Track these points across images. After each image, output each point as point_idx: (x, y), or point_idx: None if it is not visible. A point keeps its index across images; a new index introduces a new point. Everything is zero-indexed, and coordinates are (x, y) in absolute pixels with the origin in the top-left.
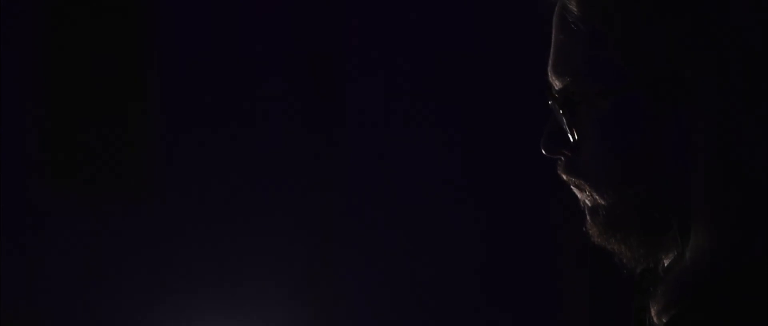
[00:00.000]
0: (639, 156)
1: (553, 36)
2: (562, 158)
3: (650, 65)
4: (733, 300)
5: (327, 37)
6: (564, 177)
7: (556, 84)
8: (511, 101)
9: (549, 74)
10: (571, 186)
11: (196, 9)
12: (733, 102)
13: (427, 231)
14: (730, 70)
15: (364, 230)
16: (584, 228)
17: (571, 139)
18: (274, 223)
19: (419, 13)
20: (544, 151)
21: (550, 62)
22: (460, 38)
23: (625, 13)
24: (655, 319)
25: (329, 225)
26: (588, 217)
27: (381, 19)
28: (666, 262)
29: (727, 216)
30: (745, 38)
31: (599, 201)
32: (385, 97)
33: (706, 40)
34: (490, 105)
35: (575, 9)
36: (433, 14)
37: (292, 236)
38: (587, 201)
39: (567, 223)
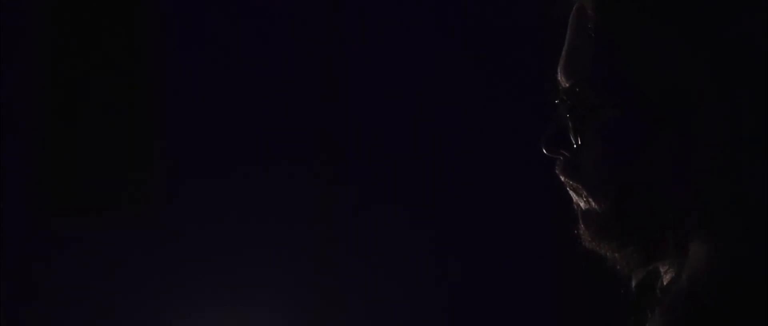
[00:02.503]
0: (638, 169)
1: (567, 35)
2: (561, 158)
3: (658, 82)
4: (730, 321)
5: (331, 42)
6: (561, 177)
7: (564, 83)
8: (516, 103)
9: (558, 72)
10: (567, 188)
11: (199, 15)
12: (738, 126)
13: (431, 234)
14: (737, 94)
15: (368, 233)
16: (576, 231)
17: (573, 142)
18: (275, 227)
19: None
20: (544, 149)
21: (561, 61)
22: (462, 40)
23: (639, 28)
24: None
25: (332, 228)
26: (581, 221)
27: (386, 25)
28: (665, 279)
29: (726, 237)
30: (754, 64)
31: (593, 206)
32: (388, 100)
33: (716, 62)
34: (495, 107)
35: (591, 15)
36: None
37: (296, 242)
38: (582, 205)
39: (566, 234)
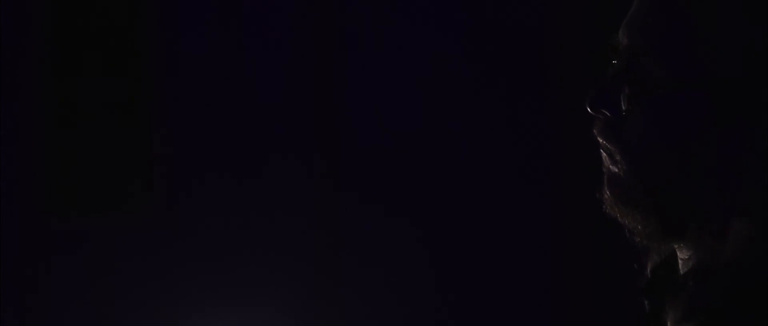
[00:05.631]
0: (685, 149)
1: None
2: (601, 118)
3: (730, 69)
4: (763, 307)
5: (333, 43)
6: (600, 139)
7: (624, 42)
8: (518, 104)
9: (621, 32)
10: (601, 150)
11: (198, 20)
12: None
13: (432, 235)
14: None
15: (373, 235)
16: (597, 195)
17: (623, 107)
18: (276, 228)
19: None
20: (588, 108)
21: (628, 21)
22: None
23: (718, 8)
24: None
25: (333, 229)
26: (607, 186)
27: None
28: (684, 264)
29: None
30: None
31: (626, 173)
32: (389, 101)
33: None
34: (497, 108)
35: None
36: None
37: (297, 243)
38: (614, 169)
39: (570, 226)
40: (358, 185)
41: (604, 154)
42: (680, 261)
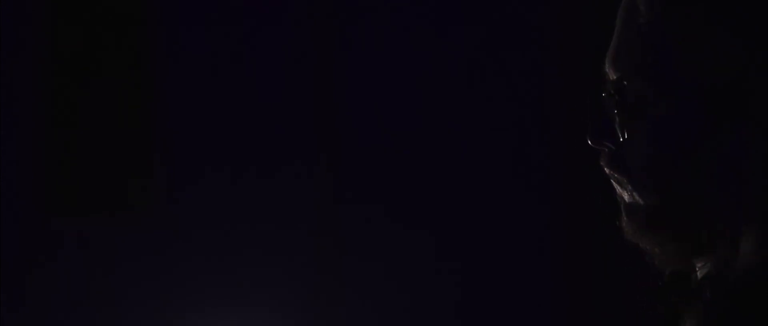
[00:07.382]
0: (688, 163)
1: (616, 28)
2: (606, 150)
3: (712, 77)
4: None
5: (333, 45)
6: (606, 170)
7: (612, 76)
8: (518, 104)
9: (606, 65)
10: (612, 180)
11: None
12: None
13: (433, 237)
14: None
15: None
16: (617, 223)
17: (620, 135)
18: (277, 229)
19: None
20: (589, 141)
21: (610, 54)
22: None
23: (693, 21)
24: None
25: (333, 230)
26: (623, 214)
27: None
28: (700, 272)
29: None
30: None
31: (638, 199)
32: (390, 103)
33: None
34: (497, 109)
35: (643, 8)
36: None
37: (297, 245)
38: (625, 197)
39: (576, 230)
40: (359, 185)
41: (615, 185)
42: (696, 267)
